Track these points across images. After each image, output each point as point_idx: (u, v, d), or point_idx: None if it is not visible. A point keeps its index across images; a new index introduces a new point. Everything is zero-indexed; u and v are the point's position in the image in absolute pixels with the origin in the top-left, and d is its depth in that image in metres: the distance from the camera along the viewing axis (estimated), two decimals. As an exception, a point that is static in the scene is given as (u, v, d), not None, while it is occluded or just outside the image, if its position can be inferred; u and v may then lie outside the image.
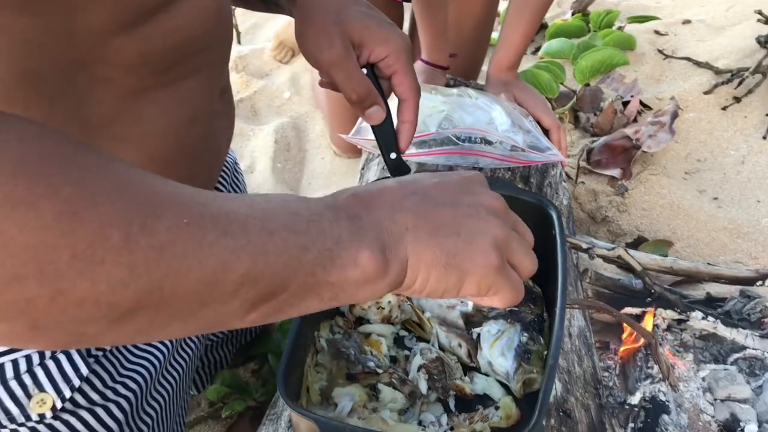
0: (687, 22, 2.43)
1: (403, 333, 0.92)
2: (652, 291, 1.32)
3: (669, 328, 1.33)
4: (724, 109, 1.99)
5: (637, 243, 1.61)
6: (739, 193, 1.77)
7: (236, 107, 2.34)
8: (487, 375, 0.86)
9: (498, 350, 0.84)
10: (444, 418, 0.80)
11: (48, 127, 0.36)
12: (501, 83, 1.50)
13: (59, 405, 0.72)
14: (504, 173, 1.33)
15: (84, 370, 0.74)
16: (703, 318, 1.31)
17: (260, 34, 2.86)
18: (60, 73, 0.62)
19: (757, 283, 1.38)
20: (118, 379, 0.80)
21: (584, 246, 1.28)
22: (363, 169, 1.53)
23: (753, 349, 1.31)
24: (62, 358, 0.73)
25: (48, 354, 0.71)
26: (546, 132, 1.43)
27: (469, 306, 0.92)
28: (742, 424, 1.13)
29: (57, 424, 0.73)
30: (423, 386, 0.81)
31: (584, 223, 1.73)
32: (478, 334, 0.87)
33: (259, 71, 2.58)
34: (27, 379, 0.70)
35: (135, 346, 0.85)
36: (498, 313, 0.89)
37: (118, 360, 0.81)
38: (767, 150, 1.87)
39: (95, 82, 0.65)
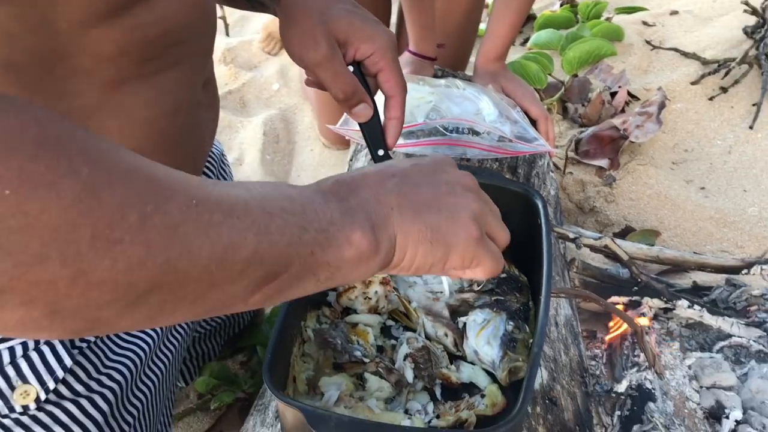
0: (674, 12, 2.44)
1: (390, 323, 0.93)
2: (639, 280, 1.33)
3: (655, 317, 1.34)
4: (711, 99, 2.00)
5: (625, 233, 1.62)
6: (726, 182, 1.78)
7: (225, 99, 2.33)
8: (473, 364, 0.86)
9: (484, 339, 0.84)
10: (430, 407, 0.81)
11: (54, 113, 0.36)
12: (489, 74, 1.50)
13: (43, 396, 0.72)
14: (491, 164, 1.33)
15: (68, 361, 0.74)
16: (689, 307, 1.32)
17: (249, 26, 2.85)
18: (39, 64, 0.61)
19: (743, 272, 1.39)
20: (103, 370, 0.80)
21: (571, 235, 1.28)
22: (351, 160, 1.52)
23: (738, 337, 1.32)
24: (46, 349, 0.72)
25: (32, 345, 0.71)
26: (534, 123, 1.43)
27: (446, 288, 0.92)
28: (727, 411, 1.14)
29: (41, 415, 0.73)
30: (409, 375, 0.82)
31: (572, 213, 1.73)
32: (464, 324, 0.88)
33: (247, 63, 2.57)
34: (10, 371, 0.70)
35: (120, 338, 0.85)
36: (484, 302, 0.90)
37: (102, 351, 0.81)
38: (754, 140, 1.88)
39: (75, 73, 0.65)
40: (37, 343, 0.72)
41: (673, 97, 2.02)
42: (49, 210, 0.33)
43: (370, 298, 0.90)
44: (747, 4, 2.13)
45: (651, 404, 1.12)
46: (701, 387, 1.21)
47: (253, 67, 2.55)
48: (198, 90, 0.80)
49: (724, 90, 2.01)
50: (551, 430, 0.88)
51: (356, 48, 0.83)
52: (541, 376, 0.94)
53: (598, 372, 1.25)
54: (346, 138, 1.50)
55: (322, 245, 0.47)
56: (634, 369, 1.19)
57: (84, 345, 0.78)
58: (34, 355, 0.71)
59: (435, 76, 1.56)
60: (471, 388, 0.84)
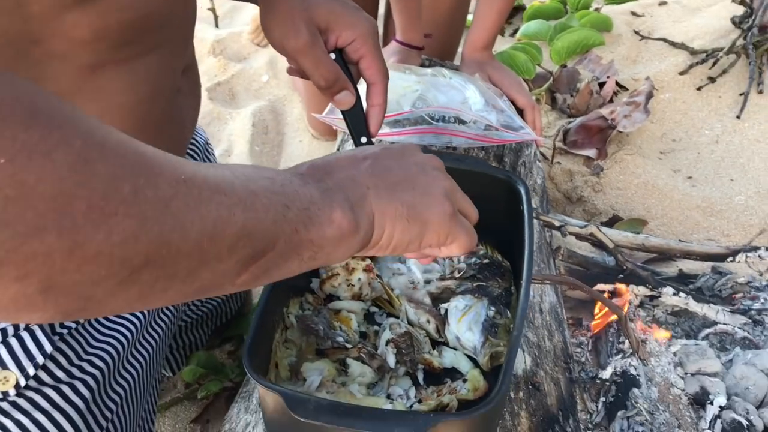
0: (663, 3, 2.44)
1: (373, 309, 0.93)
2: (624, 268, 1.33)
3: (641, 305, 1.35)
4: (699, 89, 2.01)
5: (612, 222, 1.63)
6: (713, 172, 1.79)
7: (214, 91, 2.33)
8: (455, 349, 0.86)
9: (465, 325, 0.85)
10: (412, 392, 0.81)
11: (42, 87, 0.36)
12: (476, 63, 1.50)
13: (23, 383, 0.72)
14: (477, 152, 1.33)
15: (48, 348, 0.74)
16: (674, 294, 1.33)
17: (238, 18, 2.84)
18: (13, 48, 0.61)
19: (728, 259, 1.40)
20: (85, 356, 0.80)
21: (557, 223, 1.29)
22: (338, 150, 1.52)
23: (724, 324, 1.32)
24: (26, 335, 0.72)
25: (11, 332, 0.71)
26: (521, 112, 1.43)
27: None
28: (711, 396, 1.15)
29: (21, 401, 0.73)
30: (391, 360, 0.82)
31: (560, 203, 1.74)
32: (446, 310, 0.88)
33: (237, 55, 2.56)
34: (-11, 357, 0.70)
35: (103, 324, 0.85)
36: (465, 289, 0.90)
37: (84, 338, 0.81)
38: (741, 129, 1.88)
39: (50, 58, 0.65)
40: (16, 329, 0.71)
41: (661, 87, 2.02)
42: (44, 180, 0.33)
43: (353, 285, 0.90)
44: (735, -6, 2.14)
45: (635, 390, 1.13)
46: (686, 373, 1.22)
47: (242, 59, 2.54)
48: (177, 76, 0.80)
49: (712, 80, 2.01)
50: (534, 414, 0.88)
51: (337, 35, 0.83)
52: (524, 361, 0.94)
53: (583, 359, 1.25)
54: (334, 128, 1.50)
55: (305, 223, 0.48)
56: (619, 356, 1.20)
57: (65, 331, 0.78)
58: (13, 342, 0.71)
59: (422, 65, 1.56)
60: (453, 374, 0.84)
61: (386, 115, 1.29)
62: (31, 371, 0.72)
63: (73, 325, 0.79)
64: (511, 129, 1.33)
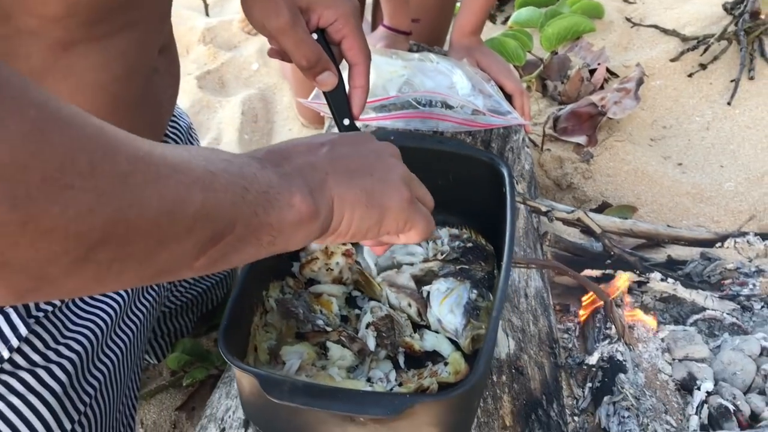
0: (656, -10, 2.43)
1: (356, 294, 0.92)
2: (612, 253, 1.32)
3: (629, 291, 1.34)
4: (690, 76, 2.00)
5: (602, 209, 1.62)
6: (703, 158, 1.78)
7: (203, 79, 2.31)
8: (437, 332, 0.85)
9: (447, 307, 0.84)
10: (393, 375, 0.80)
11: None
12: (464, 48, 1.49)
13: (-4, 366, 0.71)
14: (464, 137, 1.32)
15: (23, 330, 0.73)
16: (662, 280, 1.32)
17: (229, 6, 2.82)
18: None
19: (717, 245, 1.39)
20: (61, 340, 0.79)
21: (543, 209, 1.28)
22: (325, 136, 1.51)
23: (712, 310, 1.32)
24: (0, 318, 0.71)
25: (-16, 314, 0.70)
26: (509, 98, 1.42)
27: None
28: (698, 382, 1.14)
29: (-5, 385, 0.72)
30: (371, 343, 0.81)
31: (550, 190, 1.73)
32: (428, 293, 0.87)
33: (227, 43, 2.54)
34: (-39, 340, 0.69)
35: (80, 308, 0.84)
36: (448, 271, 0.89)
37: (61, 322, 0.80)
38: (732, 116, 1.88)
39: (21, 35, 0.64)
40: (-10, 312, 0.71)
41: (652, 74, 2.01)
42: None
43: (332, 270, 0.89)
44: (727, -20, 2.13)
45: (621, 375, 1.12)
46: (674, 359, 1.22)
47: (232, 47, 2.53)
48: (153, 55, 0.79)
49: (703, 66, 2.00)
50: (517, 398, 0.88)
51: (319, 15, 0.82)
52: (508, 345, 0.94)
53: (570, 345, 1.25)
54: (321, 114, 1.49)
55: (265, 206, 0.47)
56: (606, 341, 1.19)
57: (41, 314, 0.77)
58: (-14, 324, 0.70)
59: (410, 51, 1.55)
60: (435, 357, 0.84)
61: (372, 99, 1.29)
62: (6, 354, 0.72)
63: (50, 308, 0.78)
64: (498, 114, 1.32)
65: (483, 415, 0.83)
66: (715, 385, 1.14)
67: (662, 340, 1.25)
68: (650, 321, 1.26)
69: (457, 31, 1.50)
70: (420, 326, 0.87)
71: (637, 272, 1.32)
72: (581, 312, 1.27)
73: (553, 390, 0.96)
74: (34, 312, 0.76)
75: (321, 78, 0.83)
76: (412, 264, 0.94)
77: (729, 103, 1.90)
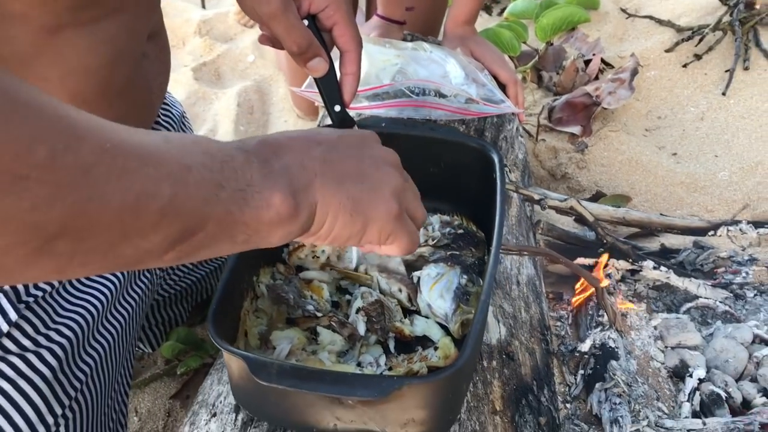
0: (651, -19, 2.43)
1: (345, 282, 0.92)
2: (605, 241, 1.33)
3: (623, 279, 1.34)
4: (684, 66, 2.00)
5: (596, 198, 1.62)
6: (698, 148, 1.78)
7: (199, 71, 2.31)
8: (427, 317, 0.86)
9: (437, 292, 0.84)
10: (382, 359, 0.81)
11: None
12: (458, 38, 1.49)
13: (-14, 350, 0.71)
14: (458, 126, 1.32)
15: (13, 315, 0.73)
16: (654, 268, 1.33)
17: (225, -1, 2.82)
18: None
19: (709, 234, 1.40)
20: (52, 325, 0.79)
21: (536, 197, 1.28)
22: (320, 126, 1.51)
23: (705, 298, 1.32)
24: (-11, 303, 0.71)
25: (-27, 299, 0.70)
26: (503, 87, 1.42)
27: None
28: (690, 369, 1.15)
29: (-15, 369, 0.72)
30: (361, 328, 0.81)
31: (544, 180, 1.73)
32: (419, 278, 0.87)
33: (223, 35, 2.54)
34: (-50, 324, 0.69)
35: (72, 294, 0.84)
36: (439, 257, 0.89)
37: (52, 307, 0.80)
38: (726, 106, 1.88)
39: (8, 19, 0.64)
40: (-21, 297, 0.71)
41: (647, 64, 2.01)
42: None
43: (318, 257, 0.89)
44: (722, -30, 2.12)
45: (614, 362, 1.13)
46: (666, 347, 1.22)
47: (228, 39, 2.53)
48: (142, 41, 0.79)
49: (698, 57, 2.00)
50: (507, 383, 0.88)
51: (310, 1, 0.82)
52: (499, 331, 0.94)
53: (563, 332, 1.25)
54: (315, 104, 1.49)
55: (240, 205, 0.46)
56: (598, 329, 1.19)
57: (31, 299, 0.77)
58: (-25, 309, 0.70)
59: (404, 40, 1.55)
60: (425, 341, 0.84)
61: (365, 88, 1.29)
62: (-4, 339, 0.72)
63: (40, 293, 0.78)
64: (491, 102, 1.32)
65: (473, 399, 0.83)
66: (708, 372, 1.15)
67: (655, 327, 1.25)
68: (636, 308, 1.26)
69: (451, 20, 1.50)
70: (410, 311, 0.87)
71: (630, 260, 1.32)
72: (574, 299, 1.28)
73: (544, 376, 0.96)
74: (24, 297, 0.76)
75: (312, 64, 0.83)
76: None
77: (724, 94, 1.90)
